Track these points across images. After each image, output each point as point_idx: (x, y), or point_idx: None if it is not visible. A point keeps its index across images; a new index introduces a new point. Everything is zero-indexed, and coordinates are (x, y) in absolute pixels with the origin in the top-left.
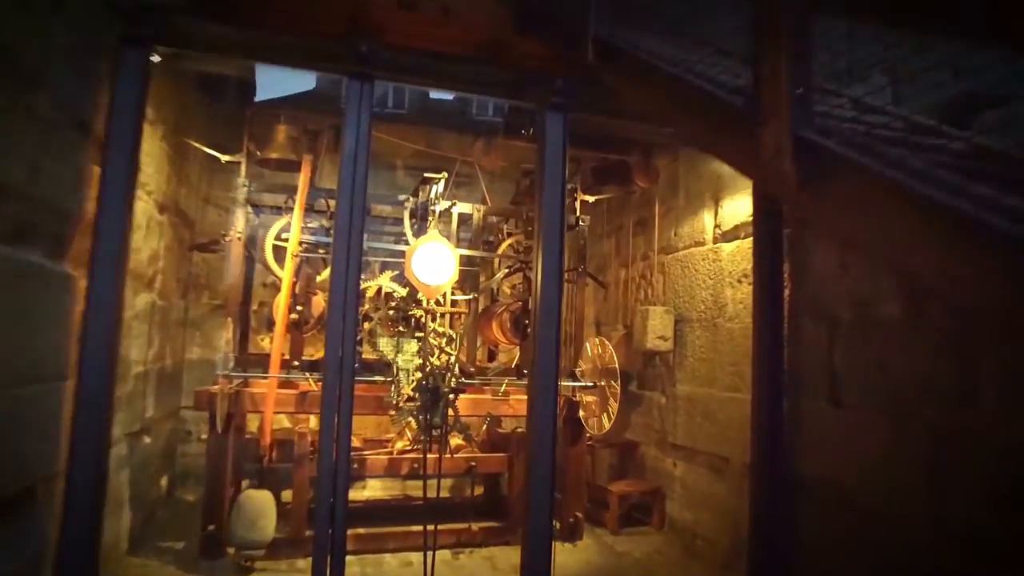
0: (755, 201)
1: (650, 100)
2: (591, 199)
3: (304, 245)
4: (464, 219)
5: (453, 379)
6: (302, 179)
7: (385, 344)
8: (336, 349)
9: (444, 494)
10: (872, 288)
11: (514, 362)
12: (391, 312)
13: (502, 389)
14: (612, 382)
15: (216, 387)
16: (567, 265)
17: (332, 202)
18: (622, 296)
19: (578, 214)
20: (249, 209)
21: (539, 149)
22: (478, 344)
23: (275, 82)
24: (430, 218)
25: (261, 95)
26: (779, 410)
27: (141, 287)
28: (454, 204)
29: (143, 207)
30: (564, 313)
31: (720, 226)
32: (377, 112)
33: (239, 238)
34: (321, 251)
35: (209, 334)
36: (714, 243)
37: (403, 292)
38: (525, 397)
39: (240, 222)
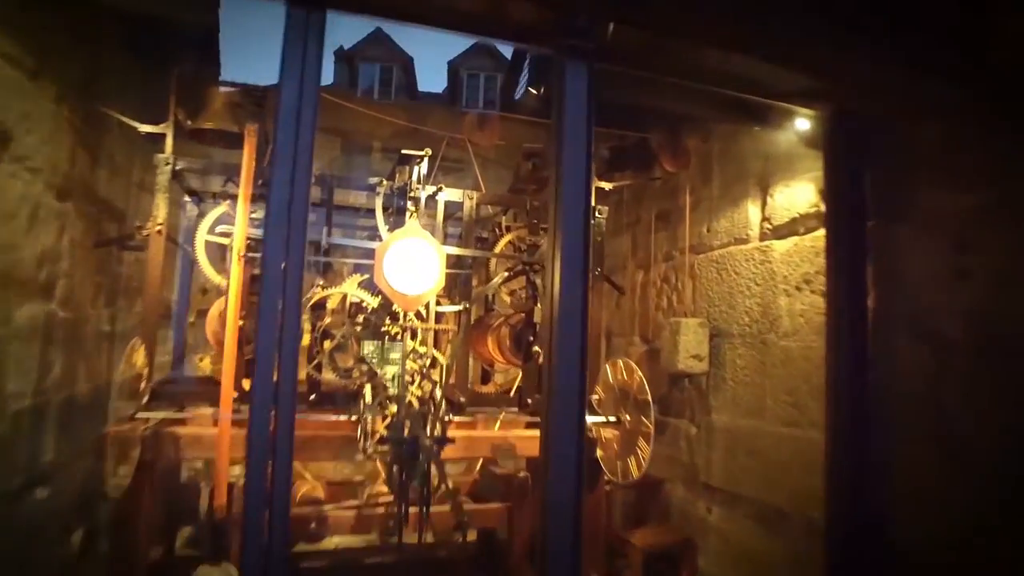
0: (828, 185)
1: None
2: (607, 186)
3: (251, 241)
4: (452, 210)
5: (438, 424)
6: (245, 156)
7: (353, 363)
8: (267, 373)
9: (429, 539)
10: (1009, 302)
11: (514, 385)
12: (358, 328)
13: (498, 423)
14: (643, 418)
15: (124, 427)
16: None
17: None
18: (639, 304)
19: (593, 204)
20: (187, 198)
21: (556, 110)
22: (470, 362)
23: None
24: (409, 208)
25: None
26: (864, 454)
27: (25, 296)
28: (440, 190)
29: (21, 189)
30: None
31: (770, 219)
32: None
33: (159, 231)
34: None
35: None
36: (761, 240)
37: (374, 302)
38: (527, 432)
39: (161, 211)
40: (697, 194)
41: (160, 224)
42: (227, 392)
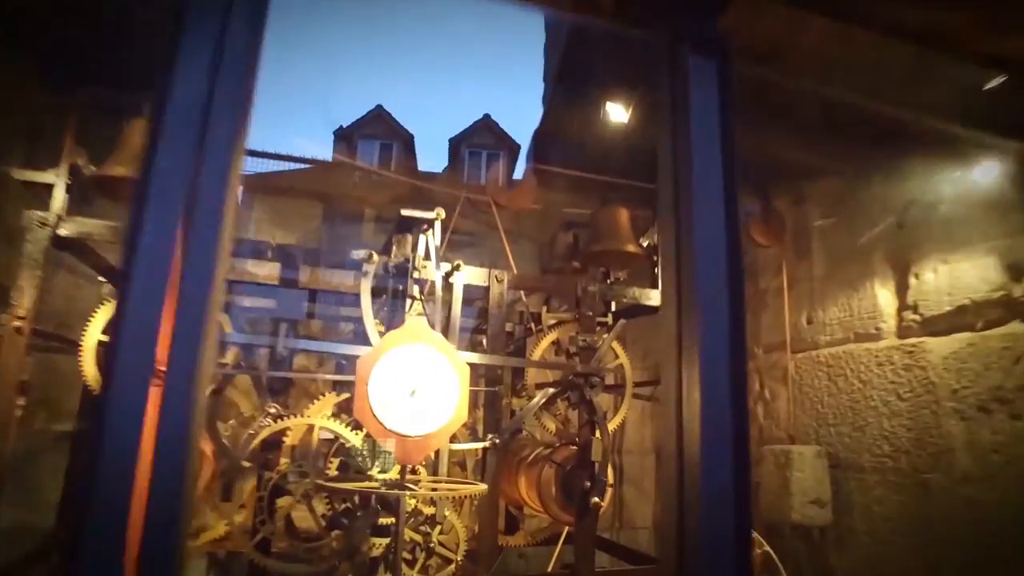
0: None
1: None
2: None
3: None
4: (472, 297)
5: None
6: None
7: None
8: None
9: None
10: None
11: (556, 547)
12: (329, 476)
13: None
14: None
15: None
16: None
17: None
18: None
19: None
20: (101, 278)
21: (672, 125)
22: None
23: None
24: (414, 295)
25: None
26: None
27: None
28: (458, 268)
29: None
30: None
31: (916, 308)
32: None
33: (18, 326)
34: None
35: (40, 478)
36: (902, 337)
37: (356, 440)
38: None
39: (26, 296)
40: (789, 274)
41: (21, 316)
42: None
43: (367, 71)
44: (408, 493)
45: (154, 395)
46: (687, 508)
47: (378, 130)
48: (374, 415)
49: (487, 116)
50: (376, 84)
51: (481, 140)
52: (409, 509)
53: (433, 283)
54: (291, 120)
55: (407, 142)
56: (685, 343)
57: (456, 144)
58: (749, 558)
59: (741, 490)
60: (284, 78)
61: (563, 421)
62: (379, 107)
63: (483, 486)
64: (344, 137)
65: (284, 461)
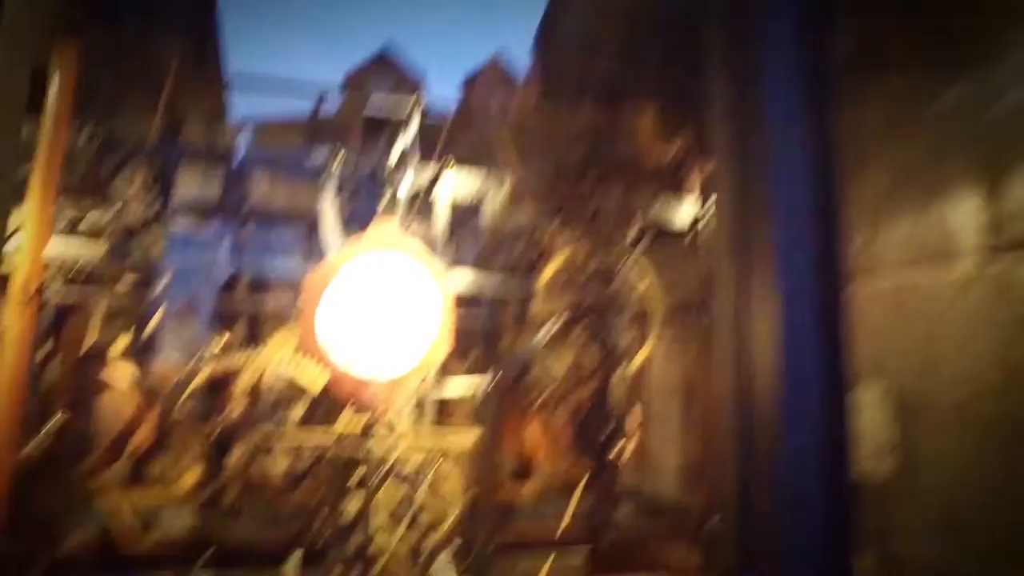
0: None
1: None
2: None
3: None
4: (463, 216)
5: None
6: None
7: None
8: None
9: None
10: None
11: (574, 497)
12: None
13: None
14: None
15: None
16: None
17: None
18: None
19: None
20: None
21: None
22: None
23: None
24: (385, 198)
25: None
26: None
27: None
28: (447, 166)
29: None
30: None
31: (1005, 225)
32: None
33: None
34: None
35: None
36: (986, 260)
37: (314, 381)
38: None
39: None
40: (845, 188)
41: None
42: None
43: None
44: (370, 448)
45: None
46: (753, 464)
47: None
48: (323, 351)
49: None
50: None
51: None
52: (385, 464)
53: (417, 191)
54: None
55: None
56: (750, 262)
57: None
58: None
59: (836, 443)
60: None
61: (577, 359)
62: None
63: (471, 435)
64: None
65: (233, 410)
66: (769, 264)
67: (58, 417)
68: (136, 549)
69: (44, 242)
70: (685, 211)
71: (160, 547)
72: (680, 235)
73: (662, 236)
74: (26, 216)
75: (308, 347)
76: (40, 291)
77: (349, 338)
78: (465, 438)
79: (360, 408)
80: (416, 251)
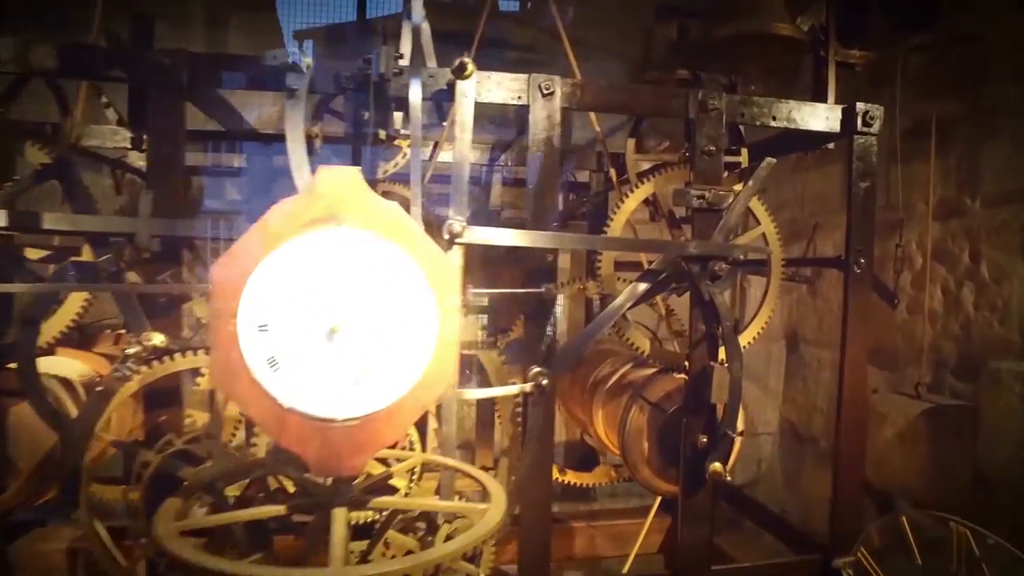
0: None
1: None
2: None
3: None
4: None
5: None
6: None
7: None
8: None
9: None
10: None
11: (647, 519)
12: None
13: None
14: None
15: None
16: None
17: None
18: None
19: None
20: None
21: None
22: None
23: None
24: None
25: None
26: None
27: None
28: (463, 71)
29: None
30: None
31: None
32: None
33: None
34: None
35: None
36: None
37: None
38: None
39: None
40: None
41: None
42: None
43: None
44: (343, 509)
45: None
46: None
47: None
48: (254, 380)
49: None
50: None
51: None
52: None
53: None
54: None
55: None
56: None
57: None
58: None
59: None
60: None
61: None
62: None
63: (496, 488)
64: None
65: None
66: None
67: None
68: None
69: None
70: (827, 108)
71: None
72: (827, 138)
73: (796, 147)
74: None
75: (226, 377)
76: None
77: (293, 358)
78: (487, 485)
79: (315, 469)
80: (390, 223)
